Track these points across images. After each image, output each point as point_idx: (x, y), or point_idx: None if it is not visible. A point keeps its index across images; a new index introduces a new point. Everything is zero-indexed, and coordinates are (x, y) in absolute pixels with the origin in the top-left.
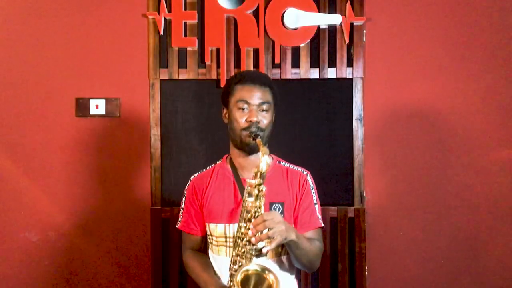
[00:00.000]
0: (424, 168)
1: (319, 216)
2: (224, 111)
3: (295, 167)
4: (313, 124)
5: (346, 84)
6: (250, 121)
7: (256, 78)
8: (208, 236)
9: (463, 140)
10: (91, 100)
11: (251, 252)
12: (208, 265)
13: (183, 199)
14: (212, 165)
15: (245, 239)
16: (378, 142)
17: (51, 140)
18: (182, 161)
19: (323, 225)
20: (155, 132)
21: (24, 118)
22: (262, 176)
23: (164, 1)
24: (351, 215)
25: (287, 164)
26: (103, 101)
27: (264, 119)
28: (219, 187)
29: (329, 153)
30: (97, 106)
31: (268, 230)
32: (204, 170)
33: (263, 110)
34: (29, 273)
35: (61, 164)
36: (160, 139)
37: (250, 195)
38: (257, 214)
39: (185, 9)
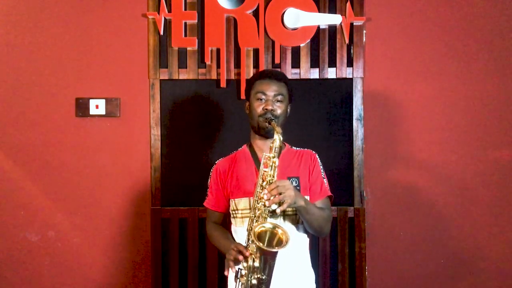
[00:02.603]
0: (424, 168)
1: (328, 187)
2: (247, 103)
3: (304, 149)
4: (313, 124)
5: (346, 84)
6: (266, 109)
7: (273, 74)
8: (232, 212)
9: (463, 140)
10: (91, 100)
11: (266, 212)
12: (228, 236)
13: (209, 180)
14: (234, 152)
15: (260, 203)
16: (378, 142)
17: (51, 140)
18: (182, 161)
19: (331, 194)
20: (155, 132)
21: (24, 118)
22: (275, 150)
23: (164, 1)
24: (351, 215)
25: (298, 148)
26: (103, 101)
27: (279, 109)
28: (241, 168)
29: (329, 153)
30: (97, 106)
31: (279, 194)
32: (227, 156)
33: (278, 101)
34: (29, 273)
35: (61, 164)
36: (160, 139)
37: (266, 165)
38: (271, 181)
39: (185, 9)
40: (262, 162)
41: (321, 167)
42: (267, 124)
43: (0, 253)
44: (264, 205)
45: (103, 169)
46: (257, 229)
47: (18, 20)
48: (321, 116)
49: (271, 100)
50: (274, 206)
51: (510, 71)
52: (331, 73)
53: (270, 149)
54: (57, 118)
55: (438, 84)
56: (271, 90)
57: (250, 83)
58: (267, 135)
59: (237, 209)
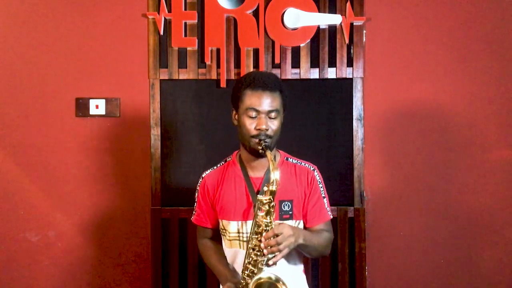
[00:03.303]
0: (424, 168)
1: (328, 209)
2: (234, 113)
3: (303, 163)
4: (313, 124)
5: (346, 84)
6: (259, 129)
7: (266, 83)
8: (221, 230)
9: (463, 140)
10: (91, 100)
11: (262, 262)
12: (222, 255)
13: (196, 194)
14: (223, 163)
15: (256, 250)
16: (378, 142)
17: (51, 140)
18: (182, 161)
19: (331, 216)
20: (155, 132)
21: (24, 118)
22: (272, 193)
23: (164, 1)
24: (351, 215)
25: (294, 161)
26: (103, 101)
27: (273, 125)
28: (231, 187)
29: (329, 153)
30: (97, 106)
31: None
32: (215, 167)
33: (271, 118)
34: (29, 273)
35: (61, 164)
36: (160, 139)
37: (261, 210)
38: (267, 228)
39: (185, 9)
40: (256, 207)
41: (320, 186)
42: (260, 148)
43: (0, 253)
44: (261, 253)
45: (103, 169)
46: (256, 280)
47: (18, 20)
48: (321, 116)
49: (264, 118)
50: (271, 255)
51: (510, 71)
52: (331, 73)
53: (265, 192)
54: (57, 118)
55: (438, 84)
56: (265, 105)
57: (239, 91)
58: (259, 156)
59: (226, 230)
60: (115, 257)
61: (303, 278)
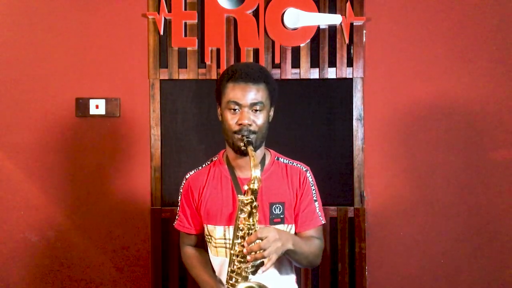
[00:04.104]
0: (424, 168)
1: (319, 213)
2: (219, 109)
3: (295, 163)
4: (313, 124)
5: (346, 84)
6: (241, 124)
7: (248, 75)
8: (206, 236)
9: (463, 140)
10: (91, 100)
11: (246, 270)
12: (208, 264)
13: (179, 197)
14: (208, 163)
15: (239, 256)
16: (378, 142)
17: (51, 140)
18: (182, 161)
19: (323, 222)
20: (155, 132)
21: (24, 118)
22: (254, 192)
23: (164, 1)
24: (351, 215)
25: (286, 161)
26: (103, 101)
27: (258, 120)
28: (216, 188)
29: (329, 153)
30: (97, 106)
31: (263, 250)
32: (200, 168)
33: (256, 111)
34: (29, 273)
35: (61, 164)
36: (160, 139)
37: (242, 211)
38: (250, 231)
39: (185, 9)
40: (237, 207)
41: (313, 188)
42: (242, 145)
43: (0, 253)
44: (245, 260)
45: (103, 169)
46: None
47: (17, 20)
48: (321, 116)
49: (246, 112)
50: (256, 262)
51: (510, 71)
52: (331, 73)
53: (246, 191)
54: (57, 118)
55: (438, 84)
56: (247, 98)
57: (221, 84)
58: (244, 154)
59: (212, 236)
60: (115, 257)
61: None
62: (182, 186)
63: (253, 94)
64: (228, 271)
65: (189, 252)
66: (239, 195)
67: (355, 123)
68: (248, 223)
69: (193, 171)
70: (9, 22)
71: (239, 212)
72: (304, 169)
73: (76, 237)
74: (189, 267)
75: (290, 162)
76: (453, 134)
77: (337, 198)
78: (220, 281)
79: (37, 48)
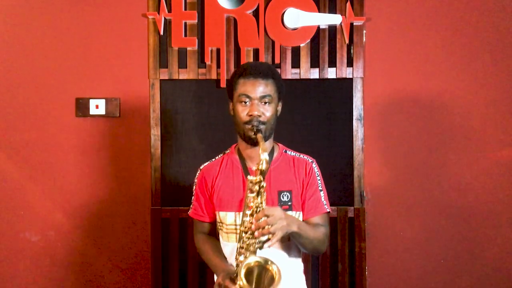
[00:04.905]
0: (424, 168)
1: (325, 202)
2: (230, 105)
3: (301, 155)
4: (313, 124)
5: (346, 84)
6: (251, 115)
7: (258, 71)
8: (218, 224)
9: (463, 140)
10: (91, 100)
11: (254, 245)
12: (219, 250)
13: (194, 187)
14: (221, 155)
15: (248, 233)
16: (378, 142)
17: (51, 140)
18: (182, 161)
19: (328, 210)
20: (155, 132)
21: (24, 118)
22: (262, 173)
23: (164, 1)
24: (351, 215)
25: (293, 153)
26: (103, 101)
27: (267, 112)
28: (228, 177)
29: (329, 153)
30: (97, 106)
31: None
32: (213, 159)
33: (265, 103)
34: (29, 273)
35: (61, 164)
36: (160, 139)
37: (251, 191)
38: (258, 209)
39: (185, 9)
40: (247, 186)
41: (318, 178)
42: (253, 134)
43: (0, 253)
44: (253, 236)
45: (103, 169)
46: (244, 268)
47: (18, 20)
48: (321, 116)
49: (256, 104)
50: (264, 237)
51: (511, 70)
52: (331, 73)
53: (255, 171)
54: (57, 118)
55: (438, 84)
56: (257, 91)
57: (232, 81)
58: (255, 143)
59: (223, 223)
60: (115, 257)
61: (302, 278)
62: (196, 177)
63: (262, 87)
64: (237, 248)
65: (202, 239)
66: (248, 176)
67: (355, 123)
68: (257, 201)
69: (206, 163)
70: (9, 22)
71: (248, 192)
72: (310, 161)
73: (76, 237)
74: (202, 252)
75: (297, 155)
76: (453, 134)
77: (337, 198)
78: (231, 265)
79: (37, 48)
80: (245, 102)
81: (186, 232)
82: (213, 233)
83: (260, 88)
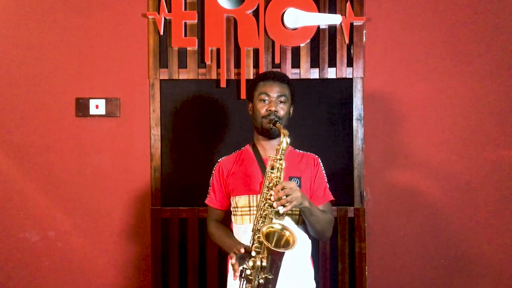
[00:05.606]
0: (424, 167)
1: (329, 191)
2: (250, 105)
3: (307, 153)
4: (313, 124)
5: (346, 84)
6: (270, 110)
7: (276, 76)
8: (233, 209)
9: (463, 140)
10: (91, 100)
11: (271, 213)
12: (230, 234)
13: (212, 178)
14: (237, 151)
15: (267, 204)
16: (378, 142)
17: (51, 140)
18: (182, 161)
19: (333, 198)
20: (155, 132)
21: (24, 118)
22: (282, 152)
23: (164, 1)
24: (351, 215)
25: (300, 151)
26: (103, 101)
27: (282, 110)
28: (243, 165)
29: (329, 153)
30: (97, 106)
31: (286, 196)
32: (230, 155)
33: (281, 102)
34: (29, 273)
35: (61, 164)
36: (160, 139)
37: (272, 168)
38: (277, 183)
39: (185, 9)
40: (268, 164)
41: (323, 171)
42: (271, 125)
43: (0, 253)
44: (271, 206)
45: (103, 169)
46: (265, 229)
47: (18, 20)
48: (321, 116)
49: (274, 101)
50: (280, 208)
51: (510, 70)
52: (331, 73)
53: (276, 151)
54: (57, 118)
55: (438, 84)
56: (274, 91)
57: (253, 84)
58: (270, 136)
59: (237, 207)
60: (115, 257)
61: (311, 271)
62: (214, 169)
63: (279, 88)
64: (256, 217)
65: (214, 225)
66: (271, 155)
67: (355, 123)
68: (276, 175)
69: (224, 157)
70: (9, 22)
71: (269, 168)
72: (316, 156)
73: (76, 237)
74: (214, 235)
75: (304, 151)
76: (453, 134)
77: (337, 198)
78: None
79: (37, 48)
80: (264, 101)
81: (186, 232)
82: (224, 222)
83: (277, 89)
